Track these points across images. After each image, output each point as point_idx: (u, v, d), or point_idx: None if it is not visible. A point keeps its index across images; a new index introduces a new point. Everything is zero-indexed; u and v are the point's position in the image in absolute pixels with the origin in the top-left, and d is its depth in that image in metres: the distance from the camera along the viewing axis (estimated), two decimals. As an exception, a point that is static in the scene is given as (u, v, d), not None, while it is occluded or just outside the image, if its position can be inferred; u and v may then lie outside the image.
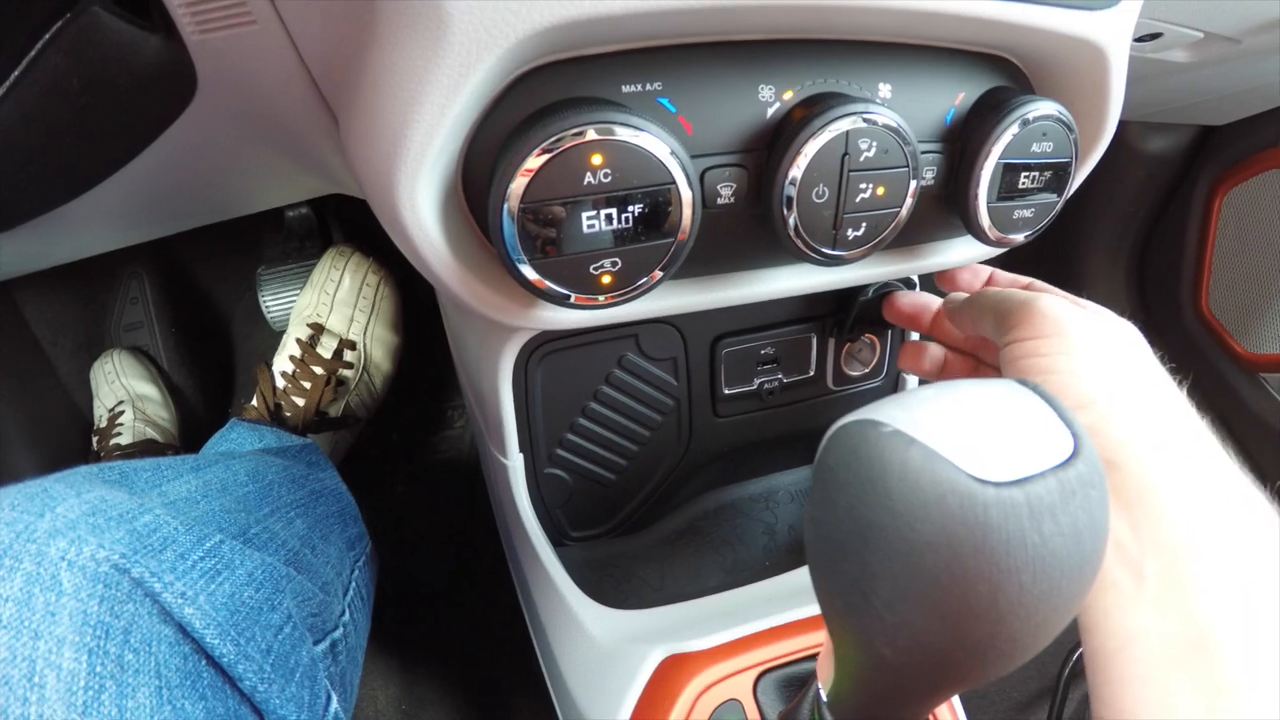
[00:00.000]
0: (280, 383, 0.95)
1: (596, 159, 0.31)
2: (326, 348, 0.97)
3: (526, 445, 0.55)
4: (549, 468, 0.57)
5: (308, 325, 0.99)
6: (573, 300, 0.34)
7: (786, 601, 0.51)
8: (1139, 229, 1.33)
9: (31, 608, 0.32)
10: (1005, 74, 0.44)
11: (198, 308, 1.22)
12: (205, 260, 1.21)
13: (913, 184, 0.38)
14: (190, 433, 1.13)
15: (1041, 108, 0.40)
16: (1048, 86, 0.45)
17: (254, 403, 0.94)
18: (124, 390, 1.12)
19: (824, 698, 0.33)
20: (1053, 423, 0.22)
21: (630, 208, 0.32)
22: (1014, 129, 0.40)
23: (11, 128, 0.39)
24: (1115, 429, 0.36)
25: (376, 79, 0.31)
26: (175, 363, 1.17)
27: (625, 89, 0.34)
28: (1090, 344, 0.39)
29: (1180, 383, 0.43)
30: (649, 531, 0.63)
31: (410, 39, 0.29)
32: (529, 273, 0.33)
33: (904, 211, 0.39)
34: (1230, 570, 0.32)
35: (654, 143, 0.31)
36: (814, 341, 0.58)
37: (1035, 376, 0.38)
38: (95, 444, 1.09)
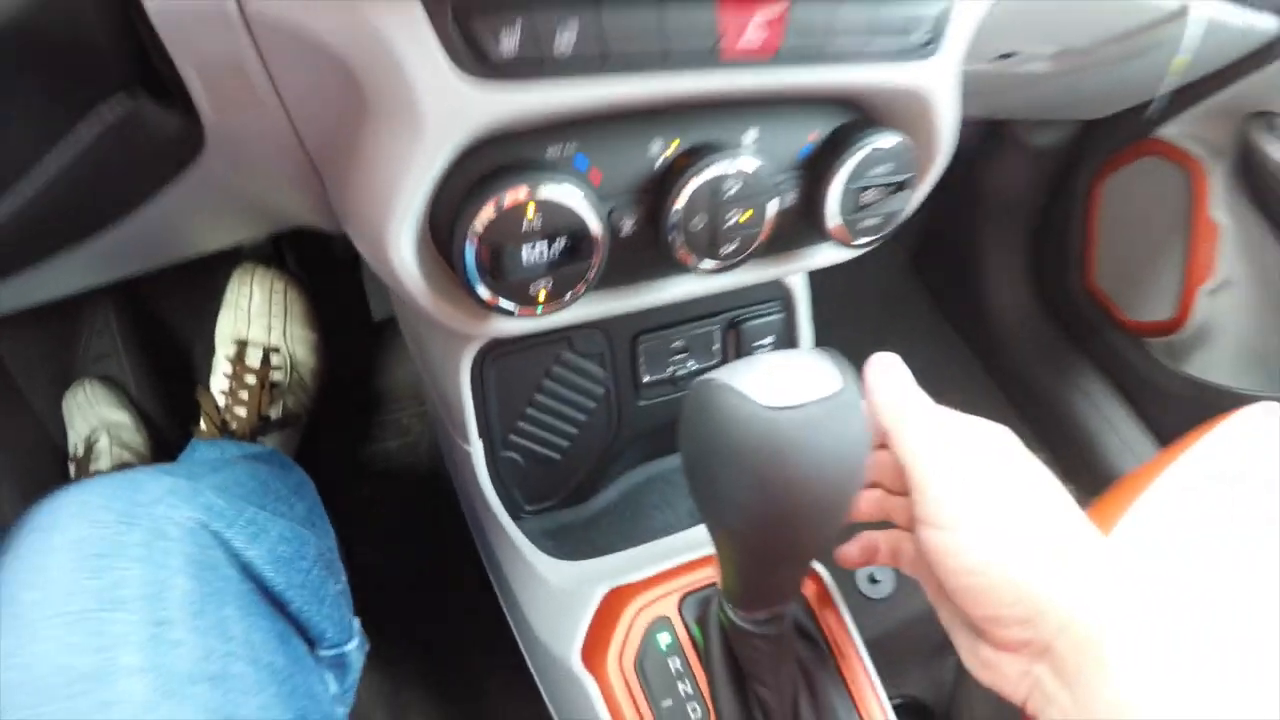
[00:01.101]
0: (221, 400, 1.07)
1: (530, 209, 0.43)
2: (254, 357, 1.09)
3: (485, 433, 0.67)
4: (504, 451, 0.69)
5: (233, 342, 1.10)
6: (516, 313, 0.47)
7: (704, 544, 0.64)
8: (1030, 216, 1.50)
9: (152, 549, 0.44)
10: (853, 112, 0.57)
11: (162, 335, 1.31)
12: (165, 292, 1.31)
13: (770, 210, 0.51)
14: (162, 454, 1.22)
15: (877, 140, 0.53)
16: (889, 120, 0.58)
17: (202, 426, 1.05)
18: (97, 418, 1.19)
19: (721, 593, 0.46)
20: (832, 371, 0.35)
21: (557, 241, 0.45)
22: (855, 159, 0.53)
23: (43, 189, 0.46)
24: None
25: (370, 159, 0.43)
26: (144, 388, 1.26)
27: (549, 152, 0.47)
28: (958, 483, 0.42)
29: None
30: (590, 503, 0.76)
31: (394, 131, 0.42)
32: (484, 293, 0.45)
33: (765, 231, 0.52)
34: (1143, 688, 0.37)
35: (571, 194, 0.44)
36: (717, 333, 0.71)
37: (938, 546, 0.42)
38: (74, 471, 1.16)
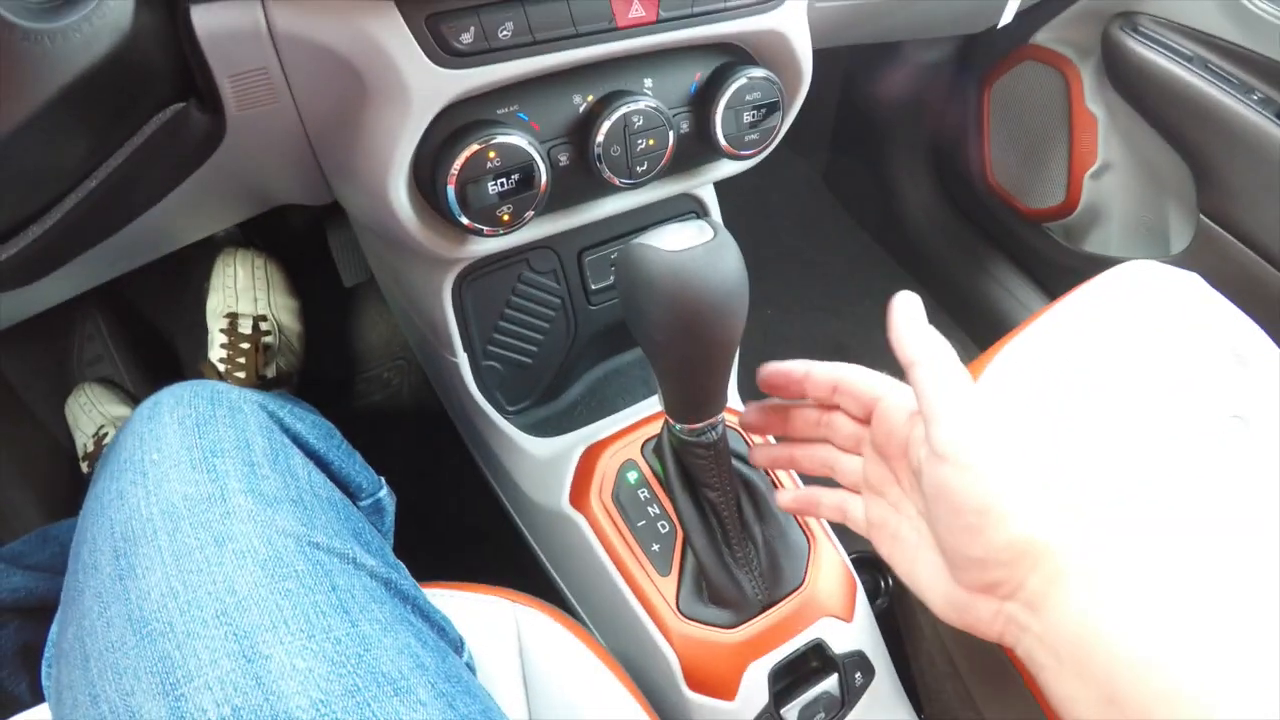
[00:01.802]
0: (221, 367, 1.25)
1: (492, 154, 0.62)
2: (245, 326, 1.27)
3: (468, 346, 0.85)
4: (485, 360, 0.87)
5: (224, 316, 1.28)
6: (485, 233, 0.66)
7: (656, 407, 0.85)
8: (929, 126, 1.67)
9: (234, 418, 0.60)
10: (732, 53, 0.76)
11: (148, 332, 1.46)
12: (146, 292, 1.45)
13: (670, 136, 0.71)
14: (163, 443, 1.39)
15: (747, 73, 0.73)
16: (761, 57, 0.77)
17: None
18: (102, 416, 1.33)
19: (666, 416, 0.66)
20: (709, 229, 0.55)
21: (513, 176, 0.64)
22: (731, 89, 0.72)
23: (87, 196, 0.55)
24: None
25: (370, 130, 0.62)
26: (139, 383, 1.40)
27: (499, 111, 0.66)
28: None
29: None
30: (561, 399, 0.94)
31: (390, 106, 0.60)
32: (463, 219, 0.64)
33: (668, 153, 0.72)
34: (1132, 623, 0.40)
35: (519, 139, 0.63)
36: (648, 243, 0.91)
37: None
38: (86, 467, 1.31)
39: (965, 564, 0.46)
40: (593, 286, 0.89)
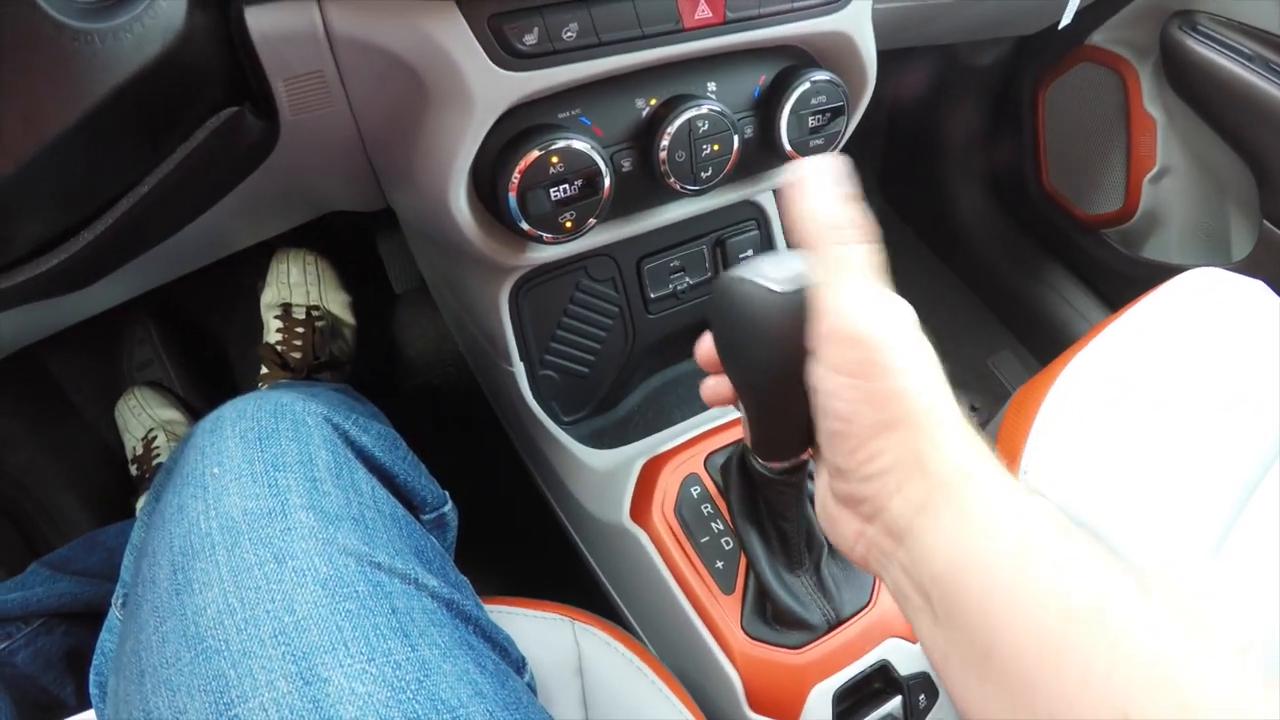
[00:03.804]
0: (280, 350, 1.26)
1: (554, 159, 0.60)
2: (299, 314, 1.29)
3: (524, 355, 0.83)
4: (542, 370, 0.85)
5: (279, 306, 1.30)
6: (545, 239, 0.64)
7: (716, 420, 0.83)
8: (983, 130, 1.63)
9: (298, 432, 0.59)
10: (795, 56, 0.74)
11: (198, 338, 1.47)
12: (196, 298, 1.47)
13: (735, 141, 0.69)
14: (214, 444, 1.40)
15: (812, 76, 0.71)
16: (825, 59, 0.75)
17: (264, 370, 1.26)
18: (151, 419, 1.34)
19: (747, 445, 0.63)
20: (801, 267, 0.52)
21: (576, 182, 0.62)
22: (796, 93, 0.70)
23: (142, 199, 0.54)
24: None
25: (431, 134, 0.60)
26: (189, 388, 1.41)
27: (560, 115, 0.64)
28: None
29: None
30: (618, 409, 0.92)
31: (451, 111, 0.59)
32: (524, 226, 0.62)
33: (733, 159, 0.69)
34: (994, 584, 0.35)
35: (582, 145, 0.61)
36: (705, 251, 0.87)
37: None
38: (135, 470, 1.31)
39: (836, 473, 0.44)
40: (651, 295, 0.86)
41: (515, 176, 0.60)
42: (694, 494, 0.74)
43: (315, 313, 1.30)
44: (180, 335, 1.46)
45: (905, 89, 1.70)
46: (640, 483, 0.78)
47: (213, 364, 1.48)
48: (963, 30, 1.30)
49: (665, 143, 0.66)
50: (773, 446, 0.59)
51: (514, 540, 1.21)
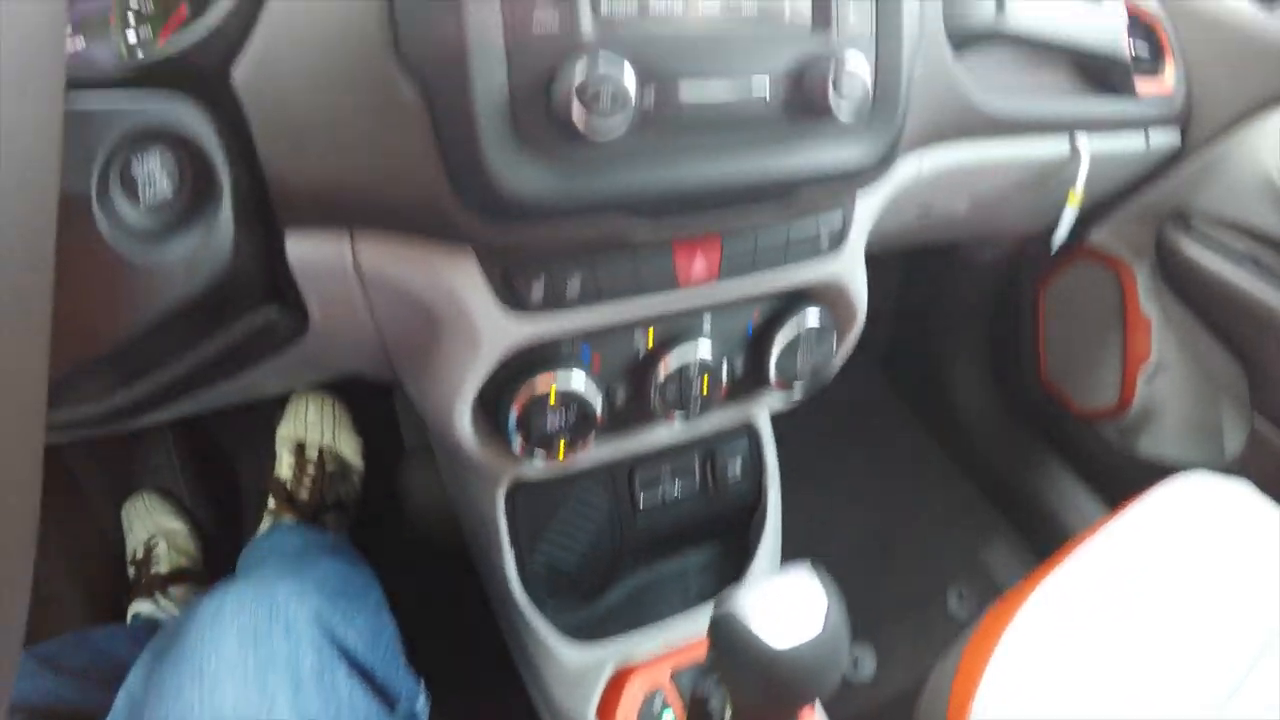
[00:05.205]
0: (289, 486, 1.32)
1: (553, 393, 0.65)
2: (312, 453, 1.35)
3: (514, 543, 0.86)
4: (530, 559, 0.88)
5: (293, 442, 1.37)
6: (541, 460, 0.69)
7: (687, 631, 0.86)
8: (985, 323, 1.68)
9: (289, 633, 0.64)
10: (788, 294, 0.77)
11: (212, 451, 1.51)
12: (216, 413, 1.52)
13: (724, 378, 0.73)
14: (213, 560, 1.42)
15: (804, 320, 0.75)
16: (814, 294, 0.78)
17: (271, 504, 1.30)
18: (155, 526, 1.39)
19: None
20: (820, 604, 0.54)
21: (571, 410, 0.67)
22: (787, 338, 0.75)
23: (182, 370, 0.61)
24: None
25: (443, 361, 0.65)
26: (198, 500, 1.46)
27: (564, 348, 0.68)
28: None
29: None
30: (599, 603, 0.94)
31: (460, 347, 0.63)
32: (519, 446, 0.67)
33: (723, 391, 0.74)
34: None
35: (578, 384, 0.66)
36: (696, 463, 0.91)
37: None
38: (133, 573, 1.35)
39: None
40: (642, 505, 0.90)
41: (515, 408, 0.65)
42: (656, 707, 0.77)
43: (327, 455, 1.36)
44: (195, 446, 1.51)
45: (909, 280, 1.76)
46: (609, 687, 0.81)
47: (223, 478, 1.52)
48: (969, 232, 1.35)
49: (660, 379, 0.70)
50: None
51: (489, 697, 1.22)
